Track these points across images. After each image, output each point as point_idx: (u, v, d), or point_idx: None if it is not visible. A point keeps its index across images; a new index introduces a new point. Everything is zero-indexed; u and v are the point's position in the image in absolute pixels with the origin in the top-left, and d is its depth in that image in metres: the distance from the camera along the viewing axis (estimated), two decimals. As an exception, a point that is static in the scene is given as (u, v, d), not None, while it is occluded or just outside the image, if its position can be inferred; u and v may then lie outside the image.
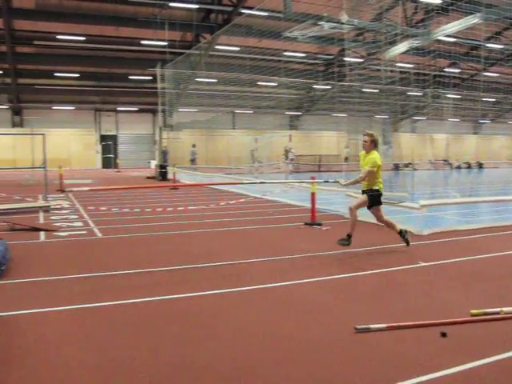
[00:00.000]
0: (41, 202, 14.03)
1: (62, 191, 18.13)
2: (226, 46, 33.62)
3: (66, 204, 14.72)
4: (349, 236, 7.78)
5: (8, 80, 39.59)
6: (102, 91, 43.22)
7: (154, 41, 34.33)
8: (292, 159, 34.37)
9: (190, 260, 7.46)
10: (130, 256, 7.92)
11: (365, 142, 7.94)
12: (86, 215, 12.41)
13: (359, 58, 34.86)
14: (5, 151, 39.24)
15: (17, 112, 43.66)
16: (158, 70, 30.22)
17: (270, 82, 36.88)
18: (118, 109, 46.44)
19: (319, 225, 10.65)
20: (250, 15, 26.55)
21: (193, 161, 35.49)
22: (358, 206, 8.01)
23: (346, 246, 7.75)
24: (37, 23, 33.26)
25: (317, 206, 11.23)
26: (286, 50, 33.49)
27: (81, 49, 37.03)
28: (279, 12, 26.56)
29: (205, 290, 5.89)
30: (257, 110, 43.82)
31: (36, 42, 35.87)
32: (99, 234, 9.72)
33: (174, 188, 20.21)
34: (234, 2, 31.22)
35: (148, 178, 29.08)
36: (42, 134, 13.93)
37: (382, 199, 8.21)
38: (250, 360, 3.97)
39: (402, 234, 8.27)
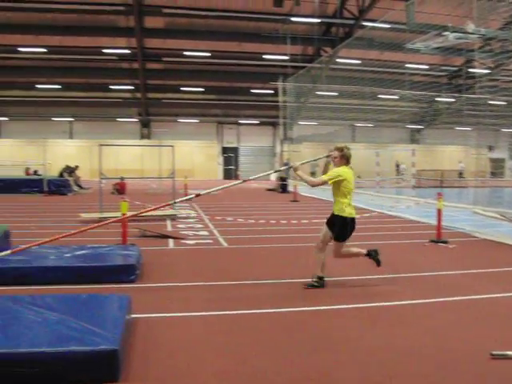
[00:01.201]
0: (169, 211, 14.65)
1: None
2: (347, 59, 33.51)
3: (191, 213, 15.28)
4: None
5: (138, 95, 41.97)
6: (225, 104, 44.56)
7: (275, 55, 34.98)
8: (403, 173, 33.60)
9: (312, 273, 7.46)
10: (254, 266, 8.05)
11: (334, 157, 6.63)
12: (210, 225, 12.80)
13: (487, 68, 33.40)
14: (134, 161, 41.41)
15: (145, 124, 46.04)
16: (279, 84, 30.66)
17: (392, 94, 36.23)
18: (240, 121, 47.57)
19: (445, 242, 10.26)
20: (371, 28, 26.31)
21: (313, 174, 35.57)
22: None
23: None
24: (166, 41, 35.10)
25: (442, 223, 10.83)
26: (408, 62, 32.81)
27: (206, 64, 38.47)
28: (402, 24, 26.07)
29: (328, 304, 5.88)
30: (377, 123, 43.20)
31: (164, 59, 37.78)
32: (224, 244, 9.99)
33: (295, 200, 20.45)
34: (355, 15, 31.08)
35: (268, 190, 29.45)
36: (171, 146, 14.55)
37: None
38: (383, 374, 3.93)
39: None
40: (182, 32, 33.93)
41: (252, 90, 42.51)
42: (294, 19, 31.78)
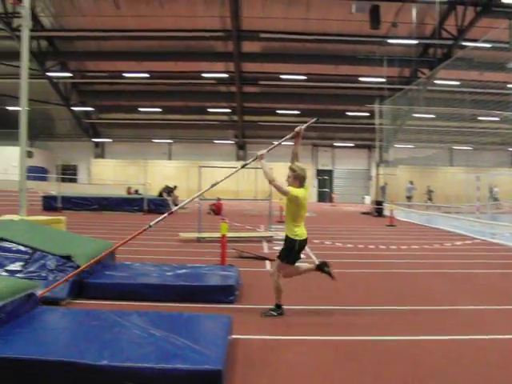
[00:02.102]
0: (265, 232, 14.77)
1: (282, 222, 18.95)
2: (446, 80, 32.69)
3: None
4: (277, 306, 6.32)
5: (235, 117, 42.92)
6: (320, 127, 44.52)
7: (372, 77, 34.70)
8: (496, 198, 32.22)
9: (416, 301, 7.28)
10: (352, 291, 7.94)
11: (288, 177, 6.29)
12: (306, 247, 12.71)
13: None
14: (229, 183, 41.93)
15: (241, 146, 46.88)
16: (375, 106, 30.32)
17: (493, 116, 34.89)
18: (335, 144, 47.41)
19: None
20: (473, 48, 25.57)
21: (409, 198, 34.69)
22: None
23: (273, 316, 6.21)
24: (262, 65, 35.78)
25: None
26: (511, 83, 31.59)
27: (302, 87, 38.77)
28: (505, 42, 25.18)
29: (434, 334, 5.71)
30: (477, 146, 41.74)
31: (261, 82, 38.43)
32: (322, 268, 9.90)
33: (391, 225, 20.06)
34: (454, 35, 30.33)
35: (363, 213, 29.07)
36: (270, 169, 14.73)
37: None
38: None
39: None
40: (278, 56, 34.52)
41: (347, 113, 42.30)
42: (390, 41, 31.49)
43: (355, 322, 6.15)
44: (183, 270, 7.68)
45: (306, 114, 42.36)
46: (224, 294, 6.78)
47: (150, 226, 6.45)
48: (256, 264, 10.04)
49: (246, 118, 43.01)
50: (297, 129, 6.62)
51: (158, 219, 6.65)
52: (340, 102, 40.74)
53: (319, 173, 47.95)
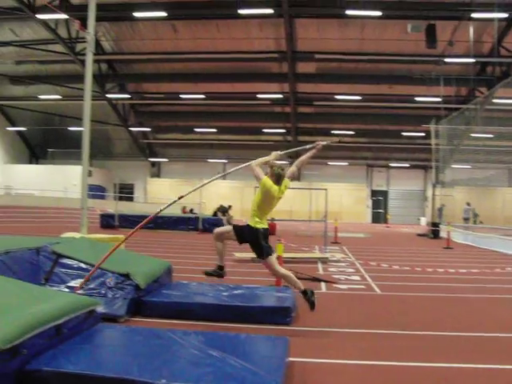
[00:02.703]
0: (320, 254, 14.68)
1: (337, 243, 18.86)
2: (505, 98, 31.95)
3: (341, 256, 15.13)
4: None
5: (289, 138, 43.04)
6: (375, 147, 44.23)
7: (427, 97, 34.27)
8: None
9: (474, 328, 7.04)
10: (410, 316, 7.75)
11: (266, 173, 6.89)
12: (362, 269, 12.60)
13: None
14: (283, 203, 41.98)
15: (295, 166, 46.87)
16: (431, 126, 29.87)
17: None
18: (390, 164, 46.90)
19: None
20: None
21: (466, 219, 33.83)
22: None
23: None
24: (317, 85, 35.88)
25: None
26: None
27: (356, 107, 38.61)
28: None
29: (491, 362, 5.47)
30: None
31: (315, 103, 38.51)
32: (378, 290, 9.75)
33: (449, 247, 19.64)
34: (513, 52, 29.72)
35: (419, 235, 28.57)
36: (325, 189, 14.66)
37: None
38: None
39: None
40: (333, 76, 34.56)
41: (403, 133, 41.82)
42: (447, 60, 31.09)
43: (413, 346, 6.00)
44: (239, 291, 7.69)
45: (360, 134, 42.23)
46: (281, 315, 6.73)
47: (161, 210, 7.18)
48: (311, 286, 9.91)
49: (301, 138, 42.97)
50: (317, 142, 7.42)
51: (166, 205, 7.31)
52: (395, 122, 40.35)
53: (374, 193, 47.48)
